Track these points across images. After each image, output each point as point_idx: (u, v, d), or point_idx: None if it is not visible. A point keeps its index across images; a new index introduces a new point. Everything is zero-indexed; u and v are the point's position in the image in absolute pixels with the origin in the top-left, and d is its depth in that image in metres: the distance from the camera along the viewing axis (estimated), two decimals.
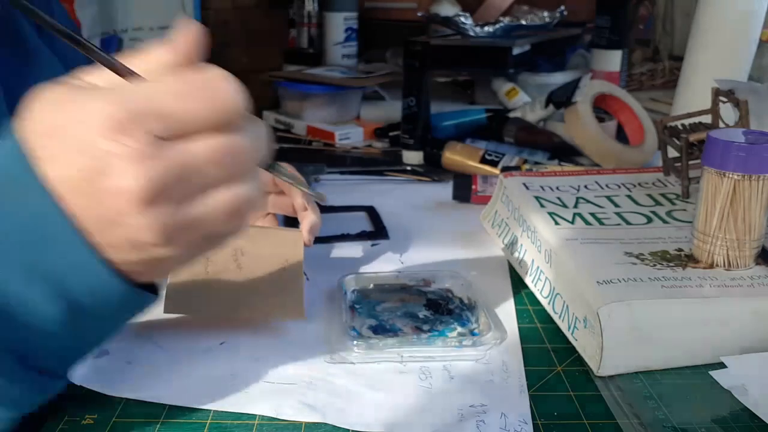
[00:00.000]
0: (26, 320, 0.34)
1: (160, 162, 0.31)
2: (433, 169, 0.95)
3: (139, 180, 0.31)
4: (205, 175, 0.33)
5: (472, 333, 0.53)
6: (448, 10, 1.38)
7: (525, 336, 0.53)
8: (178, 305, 0.53)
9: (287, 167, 0.52)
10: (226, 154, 0.33)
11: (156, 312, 0.51)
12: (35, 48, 0.61)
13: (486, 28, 1.16)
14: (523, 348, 0.52)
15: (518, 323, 0.55)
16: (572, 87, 0.94)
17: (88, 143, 0.31)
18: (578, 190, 0.68)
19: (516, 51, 1.12)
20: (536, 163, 0.90)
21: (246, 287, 0.55)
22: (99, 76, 0.35)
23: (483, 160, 0.90)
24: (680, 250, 0.56)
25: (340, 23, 1.43)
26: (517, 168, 0.88)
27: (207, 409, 0.44)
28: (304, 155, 1.08)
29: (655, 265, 0.53)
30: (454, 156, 0.93)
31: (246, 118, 0.34)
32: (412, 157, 0.99)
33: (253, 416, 0.44)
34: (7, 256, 0.33)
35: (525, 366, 0.49)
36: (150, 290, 0.38)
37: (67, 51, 0.66)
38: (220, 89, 0.33)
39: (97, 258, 0.33)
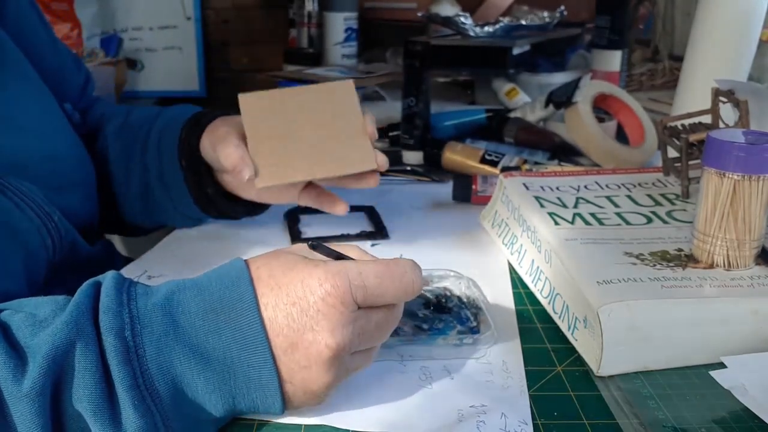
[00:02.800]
0: (194, 415, 0.40)
1: (352, 327, 0.40)
2: (433, 169, 0.95)
3: (337, 340, 0.40)
4: (372, 338, 0.43)
5: (472, 332, 0.53)
6: (448, 10, 1.38)
7: (525, 336, 0.53)
8: (267, 178, 0.61)
9: None
10: (387, 326, 0.44)
11: None
12: (2, 44, 0.61)
13: (486, 28, 1.17)
14: (523, 348, 0.52)
15: (518, 323, 0.55)
16: (572, 87, 0.94)
17: (306, 302, 0.40)
18: (578, 190, 0.68)
19: (516, 51, 1.12)
20: (536, 163, 0.90)
21: (315, 148, 0.62)
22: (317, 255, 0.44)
23: (483, 160, 0.90)
24: (680, 250, 0.56)
25: (340, 23, 1.43)
26: (517, 168, 0.88)
27: None
28: None
29: (655, 265, 0.53)
30: (454, 156, 0.93)
31: None
32: (412, 157, 0.99)
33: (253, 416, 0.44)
34: (203, 367, 0.39)
35: (525, 366, 0.49)
36: None
37: (30, 43, 0.66)
38: (409, 277, 0.42)
39: (277, 388, 0.40)
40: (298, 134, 0.64)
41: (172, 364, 0.38)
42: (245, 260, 0.42)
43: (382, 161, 0.62)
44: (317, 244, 0.42)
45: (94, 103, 0.79)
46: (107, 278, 0.41)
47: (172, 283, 0.41)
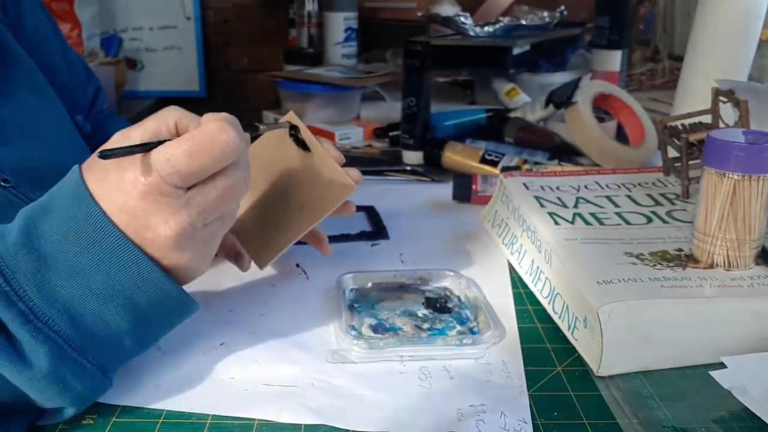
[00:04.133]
0: (104, 335, 0.42)
1: (186, 210, 0.41)
2: (433, 169, 0.95)
3: (173, 228, 0.41)
4: (222, 207, 0.43)
5: (471, 331, 0.53)
6: (448, 10, 1.38)
7: (525, 336, 0.53)
8: (265, 258, 0.58)
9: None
10: (231, 191, 0.43)
11: None
12: (14, 54, 0.63)
13: (486, 28, 1.17)
14: (523, 348, 0.52)
15: (518, 323, 0.55)
16: (572, 87, 0.94)
17: (131, 205, 0.40)
18: (578, 190, 0.68)
19: (516, 51, 1.12)
20: (536, 163, 0.90)
21: (292, 200, 0.58)
22: (140, 134, 0.42)
23: (483, 160, 0.90)
24: (680, 250, 0.56)
25: (340, 23, 1.43)
26: (517, 168, 0.88)
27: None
28: None
29: (655, 265, 0.53)
30: (454, 156, 0.93)
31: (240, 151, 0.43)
32: (412, 157, 0.99)
33: (253, 416, 0.44)
34: (87, 283, 0.40)
35: (525, 366, 0.49)
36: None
37: (44, 55, 0.68)
38: (221, 138, 0.41)
39: (157, 268, 0.42)
40: (269, 194, 0.59)
41: (56, 293, 0.40)
42: (78, 166, 0.43)
43: (356, 175, 0.58)
44: (107, 154, 0.40)
45: (107, 120, 0.80)
46: None
47: (22, 215, 0.42)
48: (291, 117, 0.58)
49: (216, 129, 0.41)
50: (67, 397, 0.41)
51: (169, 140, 0.41)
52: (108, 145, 0.42)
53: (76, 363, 0.41)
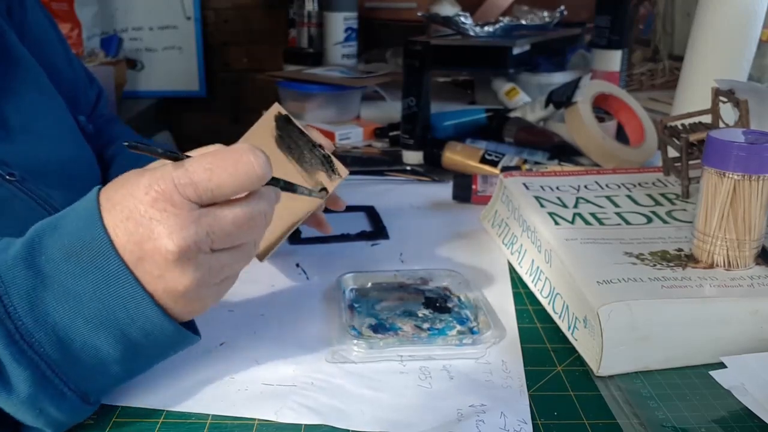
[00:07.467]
0: (91, 362, 0.40)
1: (194, 227, 0.39)
2: (433, 169, 0.95)
3: (177, 242, 0.38)
4: (232, 236, 0.41)
5: (471, 331, 0.53)
6: (448, 10, 1.38)
7: (525, 336, 0.53)
8: (264, 251, 0.57)
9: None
10: (247, 220, 0.41)
11: None
12: (19, 55, 0.64)
13: (486, 28, 1.16)
14: (523, 348, 0.52)
15: (518, 323, 0.55)
16: (572, 87, 0.94)
17: (138, 213, 0.38)
18: (578, 190, 0.68)
19: (516, 51, 1.12)
20: (536, 163, 0.90)
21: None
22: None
23: (483, 160, 0.90)
24: (680, 250, 0.56)
25: (340, 23, 1.43)
26: (517, 168, 0.88)
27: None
28: None
29: (655, 265, 0.53)
30: (454, 156, 0.93)
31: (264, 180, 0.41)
32: (412, 157, 0.99)
33: (253, 416, 0.44)
34: (80, 308, 0.39)
35: (525, 366, 0.49)
36: (193, 331, 0.45)
37: (47, 57, 0.69)
38: (247, 159, 0.39)
39: (154, 305, 0.40)
40: None
41: (47, 314, 0.39)
42: (99, 189, 0.41)
43: (341, 166, 0.58)
44: (134, 145, 0.38)
45: (108, 124, 0.81)
46: None
47: (33, 228, 0.41)
48: (277, 109, 0.58)
49: (245, 149, 0.40)
50: (42, 421, 0.40)
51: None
52: (150, 165, 0.41)
53: (56, 390, 0.39)
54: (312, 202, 0.57)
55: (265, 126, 0.59)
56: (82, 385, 0.41)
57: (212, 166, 0.39)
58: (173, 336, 0.42)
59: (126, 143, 0.38)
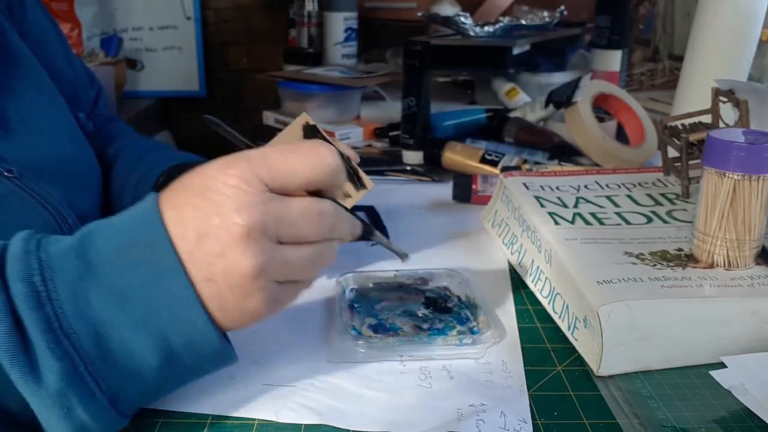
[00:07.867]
0: (126, 365, 0.38)
1: (263, 207, 0.38)
2: (433, 169, 0.95)
3: (245, 218, 0.37)
4: (298, 227, 0.40)
5: (471, 331, 0.53)
6: (448, 10, 1.38)
7: (525, 336, 0.53)
8: None
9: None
10: (317, 215, 0.41)
11: None
12: (19, 52, 0.65)
13: (486, 28, 1.16)
14: (523, 348, 0.52)
15: (518, 323, 0.55)
16: (572, 87, 0.94)
17: (209, 189, 0.38)
18: (578, 190, 0.68)
19: (516, 51, 1.12)
20: (536, 163, 0.90)
21: None
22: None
23: (483, 160, 0.90)
24: (680, 250, 0.56)
25: (340, 23, 1.43)
26: (517, 168, 0.88)
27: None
28: None
29: (655, 265, 0.53)
30: (454, 156, 0.93)
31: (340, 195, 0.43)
32: (412, 157, 0.99)
33: (253, 417, 0.44)
34: (124, 305, 0.38)
35: (525, 366, 0.49)
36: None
37: (47, 56, 0.69)
38: (319, 152, 0.40)
39: (201, 308, 0.38)
40: None
41: (89, 305, 0.37)
42: (156, 194, 0.41)
43: (352, 154, 0.61)
44: (215, 122, 0.39)
45: (108, 123, 0.81)
46: (17, 234, 0.40)
47: (89, 224, 0.40)
48: (305, 118, 0.58)
49: (320, 143, 0.41)
50: (69, 425, 0.38)
51: None
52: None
53: (86, 388, 0.37)
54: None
55: (292, 134, 0.59)
56: (113, 387, 0.39)
57: (287, 152, 0.40)
58: (214, 347, 0.40)
59: (206, 116, 0.39)
